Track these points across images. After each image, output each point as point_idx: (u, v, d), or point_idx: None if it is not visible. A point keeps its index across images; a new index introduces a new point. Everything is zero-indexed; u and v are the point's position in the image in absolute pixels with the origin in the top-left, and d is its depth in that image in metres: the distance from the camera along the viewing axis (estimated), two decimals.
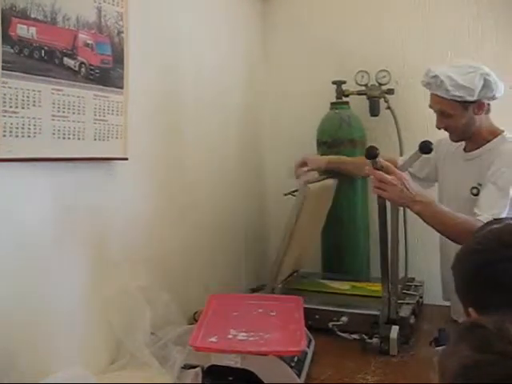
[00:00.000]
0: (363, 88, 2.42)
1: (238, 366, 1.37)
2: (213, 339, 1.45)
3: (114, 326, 1.53)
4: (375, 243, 1.91)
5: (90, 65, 1.42)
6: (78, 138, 1.40)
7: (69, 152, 1.38)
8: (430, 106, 1.83)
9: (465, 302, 1.10)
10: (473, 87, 1.70)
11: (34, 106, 1.26)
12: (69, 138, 1.37)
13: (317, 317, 1.78)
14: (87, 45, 1.41)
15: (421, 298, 2.04)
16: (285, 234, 1.85)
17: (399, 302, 1.78)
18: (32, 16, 1.25)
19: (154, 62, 1.77)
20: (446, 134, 1.86)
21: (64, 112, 1.35)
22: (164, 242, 1.84)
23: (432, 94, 1.80)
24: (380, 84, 2.40)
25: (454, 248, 1.33)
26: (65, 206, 1.41)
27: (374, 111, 2.44)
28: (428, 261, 2.30)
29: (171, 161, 1.91)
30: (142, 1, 1.68)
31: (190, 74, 2.01)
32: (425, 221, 1.65)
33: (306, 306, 1.70)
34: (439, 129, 1.84)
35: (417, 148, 1.67)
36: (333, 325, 1.74)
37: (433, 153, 1.78)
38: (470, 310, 1.06)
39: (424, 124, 2.23)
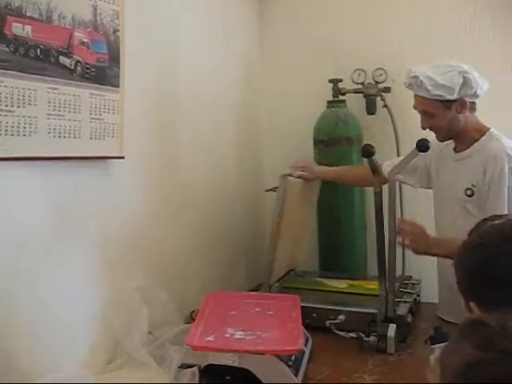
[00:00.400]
0: (360, 86, 2.42)
1: (236, 365, 1.37)
2: (210, 338, 1.45)
3: (112, 325, 1.52)
4: (372, 241, 1.91)
5: (86, 63, 1.41)
6: (74, 137, 1.39)
7: (65, 151, 1.38)
8: (414, 107, 1.83)
9: (466, 296, 1.10)
10: (452, 86, 1.70)
11: (29, 104, 1.26)
12: (64, 137, 1.36)
13: (314, 315, 1.78)
14: (83, 43, 1.40)
15: (418, 296, 2.04)
16: (272, 228, 1.88)
17: (396, 300, 1.78)
18: (27, 14, 1.24)
19: (150, 60, 1.77)
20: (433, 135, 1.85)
21: (60, 111, 1.34)
22: (161, 241, 1.83)
23: (415, 95, 1.80)
24: (377, 82, 2.40)
25: None
26: (60, 205, 1.41)
27: (371, 109, 2.44)
28: (425, 259, 2.30)
29: (168, 159, 1.90)
30: None
31: (187, 72, 2.01)
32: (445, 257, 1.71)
33: (303, 304, 1.70)
34: (424, 129, 1.84)
35: (414, 146, 1.68)
36: (330, 323, 1.74)
37: (422, 159, 1.79)
38: (472, 304, 1.06)
39: None
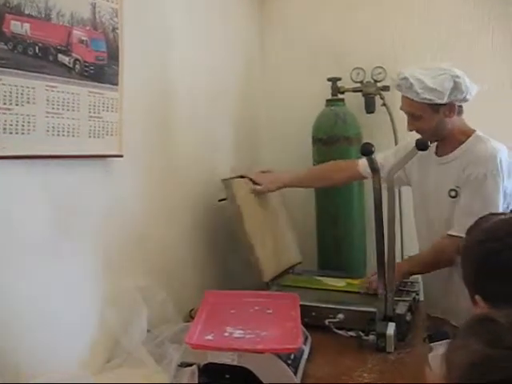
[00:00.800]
0: (359, 85, 2.42)
1: (235, 363, 1.37)
2: (209, 337, 1.45)
3: (111, 324, 1.52)
4: (371, 240, 1.91)
5: (85, 61, 1.41)
6: (73, 135, 1.39)
7: (63, 149, 1.37)
8: (401, 108, 1.81)
9: (471, 289, 1.12)
10: (442, 90, 1.68)
11: (28, 102, 1.25)
12: (63, 135, 1.36)
13: (313, 314, 1.78)
14: (82, 41, 1.40)
15: (417, 294, 2.04)
16: (238, 233, 1.99)
17: (396, 298, 1.78)
18: (26, 12, 1.24)
19: (149, 58, 1.76)
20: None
21: (58, 109, 1.34)
22: (160, 239, 1.83)
23: (403, 96, 1.77)
24: (375, 81, 2.40)
25: None
26: (59, 203, 1.40)
27: (370, 108, 2.44)
28: None
29: (167, 158, 1.90)
30: None
31: (186, 71, 2.00)
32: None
33: (303, 303, 1.69)
34: (410, 131, 1.82)
35: (413, 145, 1.67)
36: (329, 322, 1.74)
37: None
38: (477, 297, 1.08)
39: None
